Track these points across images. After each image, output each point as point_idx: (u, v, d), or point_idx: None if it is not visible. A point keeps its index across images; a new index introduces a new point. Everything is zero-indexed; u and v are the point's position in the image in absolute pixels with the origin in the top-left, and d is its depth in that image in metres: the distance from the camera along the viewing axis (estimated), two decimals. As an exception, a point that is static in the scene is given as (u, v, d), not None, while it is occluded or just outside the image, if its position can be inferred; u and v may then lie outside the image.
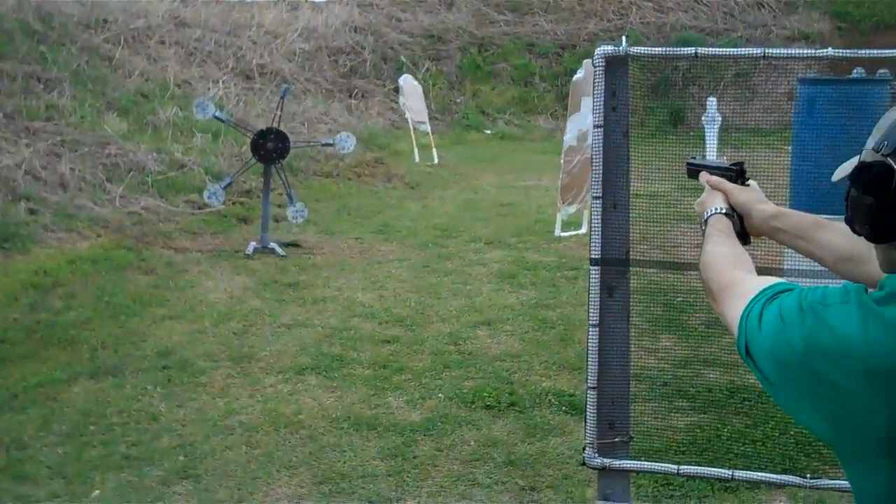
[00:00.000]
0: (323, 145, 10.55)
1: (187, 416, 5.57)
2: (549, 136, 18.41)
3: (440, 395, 5.89)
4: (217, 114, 10.09)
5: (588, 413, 4.07)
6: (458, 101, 21.04)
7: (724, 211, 2.17)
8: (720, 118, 13.84)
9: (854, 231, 1.66)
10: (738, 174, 2.28)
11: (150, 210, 10.38)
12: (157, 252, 9.18)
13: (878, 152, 1.58)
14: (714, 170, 2.31)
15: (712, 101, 14.32)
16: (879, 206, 1.56)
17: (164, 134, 12.79)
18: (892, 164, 1.55)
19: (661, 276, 6.28)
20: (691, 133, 14.22)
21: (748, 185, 2.27)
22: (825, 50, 4.19)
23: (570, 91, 10.97)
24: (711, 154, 13.40)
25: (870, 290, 1.57)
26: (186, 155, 12.07)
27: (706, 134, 13.70)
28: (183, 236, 9.86)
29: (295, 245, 9.72)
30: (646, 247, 6.70)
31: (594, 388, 4.02)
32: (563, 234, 10.08)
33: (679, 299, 6.29)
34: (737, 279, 1.82)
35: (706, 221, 2.17)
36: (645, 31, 22.16)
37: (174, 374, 6.20)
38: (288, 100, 16.41)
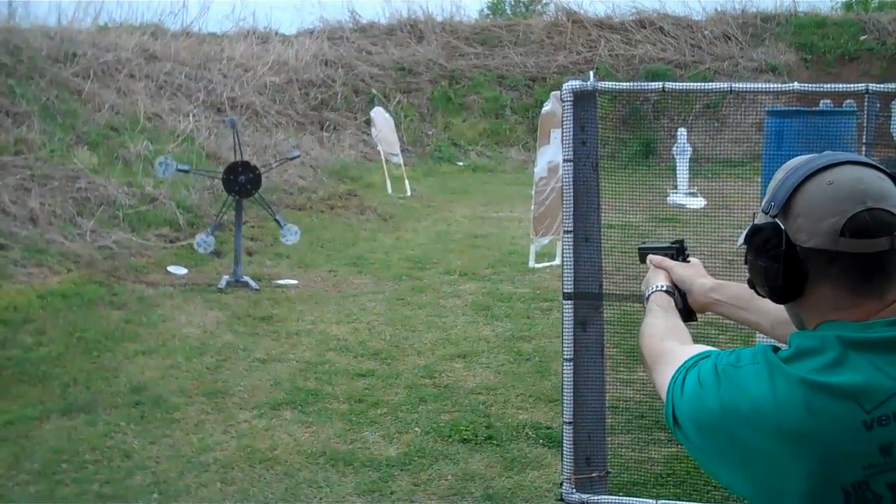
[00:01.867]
0: (274, 220, 10.54)
1: (161, 453, 5.51)
2: (521, 168, 18.51)
3: (417, 429, 5.86)
4: (180, 167, 10.08)
5: (564, 448, 4.07)
6: (430, 133, 21.10)
7: (664, 288, 2.21)
8: (690, 149, 13.96)
9: (758, 293, 1.68)
10: (678, 251, 2.36)
11: (121, 244, 10.31)
12: (128, 286, 9.11)
13: (767, 213, 1.60)
14: (658, 250, 2.37)
15: (682, 133, 14.46)
16: (773, 268, 1.57)
17: (135, 167, 12.72)
18: (781, 224, 1.57)
19: (637, 307, 6.32)
20: (662, 164, 14.33)
21: (689, 262, 2.32)
22: (791, 84, 4.24)
23: (539, 123, 11.03)
24: (683, 184, 13.51)
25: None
26: (157, 188, 12.01)
27: (677, 165, 13.81)
28: (155, 270, 9.79)
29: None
30: (620, 278, 6.73)
31: (570, 422, 4.02)
32: (536, 265, 10.10)
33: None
34: (667, 350, 1.83)
35: (648, 298, 2.20)
36: (614, 64, 22.34)
37: (147, 411, 6.13)
38: (259, 133, 16.44)
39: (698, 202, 11.79)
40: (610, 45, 23.16)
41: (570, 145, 4.13)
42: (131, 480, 5.16)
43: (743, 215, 7.68)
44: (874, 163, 1.57)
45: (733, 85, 4.43)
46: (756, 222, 1.64)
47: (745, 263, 1.67)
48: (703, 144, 14.31)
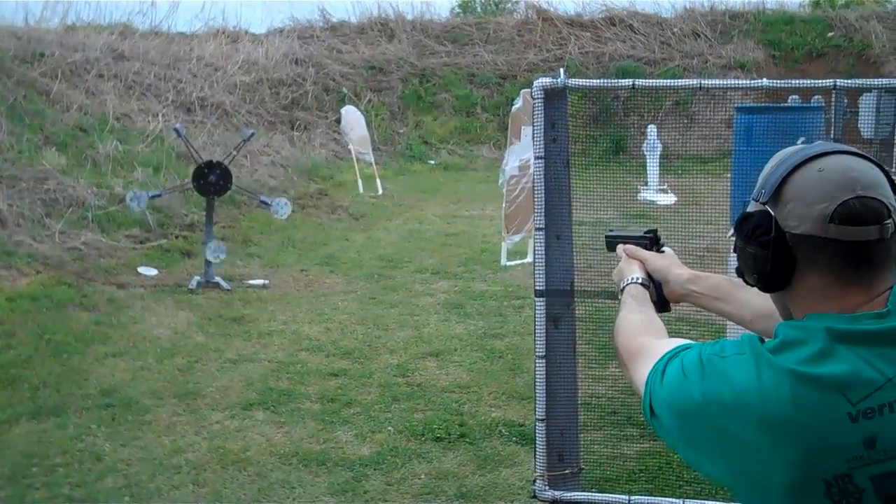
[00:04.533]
0: (260, 202, 10.56)
1: (132, 456, 5.47)
2: (493, 166, 18.49)
3: (389, 428, 5.85)
4: (151, 194, 10.08)
5: (537, 445, 4.08)
6: (401, 131, 21.08)
7: (639, 280, 2.19)
8: (661, 146, 14.02)
9: (746, 282, 1.68)
10: (652, 241, 2.31)
11: (90, 245, 10.23)
12: (98, 288, 9.04)
13: (757, 201, 1.61)
14: (629, 239, 2.32)
15: (652, 130, 14.52)
16: (762, 255, 1.58)
17: (104, 168, 12.63)
18: (771, 211, 1.57)
19: (609, 304, 6.33)
20: (633, 161, 14.39)
21: (663, 252, 2.29)
22: (759, 81, 4.27)
23: (509, 121, 11.04)
24: (654, 181, 13.57)
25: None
26: (127, 189, 11.91)
27: (647, 162, 13.87)
28: (125, 271, 9.72)
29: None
30: (592, 275, 6.74)
31: (542, 419, 4.03)
32: (508, 263, 10.11)
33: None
34: (644, 345, 1.82)
35: (622, 290, 2.18)
36: (584, 62, 22.40)
37: (118, 413, 6.09)
38: (230, 132, 16.35)
39: (669, 198, 11.85)
40: (580, 42, 23.22)
41: (541, 143, 4.13)
42: (102, 483, 5.12)
43: (713, 211, 7.72)
44: (865, 153, 1.58)
45: (703, 82, 4.46)
46: (747, 209, 1.64)
47: (734, 252, 1.66)
48: (674, 141, 14.37)
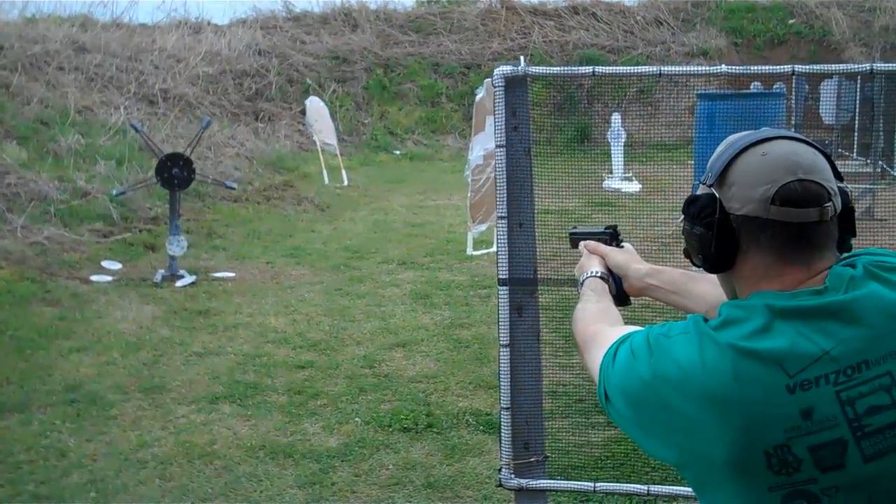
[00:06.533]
0: (226, 186, 10.62)
1: (97, 451, 5.44)
2: (458, 156, 18.50)
3: (357, 419, 5.85)
4: (116, 192, 10.38)
5: (503, 434, 4.09)
6: (366, 122, 21.02)
7: (598, 274, 2.25)
8: (625, 134, 14.07)
9: (693, 264, 1.72)
10: (611, 237, 2.39)
11: (53, 240, 10.13)
12: (61, 283, 8.96)
13: (704, 184, 1.66)
14: (591, 235, 2.39)
15: (616, 118, 14.58)
16: (707, 236, 1.62)
17: (66, 162, 12.51)
18: (717, 193, 1.62)
19: (574, 292, 6.36)
20: (598, 149, 14.43)
21: (623, 248, 2.36)
22: (718, 67, 4.28)
23: (473, 111, 11.04)
24: (618, 169, 13.62)
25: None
26: (90, 183, 11.82)
27: (612, 150, 13.92)
28: (88, 266, 9.64)
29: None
30: (557, 263, 6.76)
31: (508, 408, 4.04)
32: (474, 252, 10.12)
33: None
34: (598, 332, 1.87)
35: (582, 284, 2.24)
36: (548, 50, 22.43)
37: (83, 408, 6.05)
38: (193, 124, 16.23)
39: (633, 186, 11.91)
40: (544, 31, 23.24)
41: (503, 131, 4.12)
42: (67, 480, 5.09)
43: (677, 198, 7.72)
44: (808, 139, 1.62)
45: (662, 69, 4.48)
46: (695, 192, 1.68)
47: (683, 234, 1.71)
48: (637, 129, 14.42)
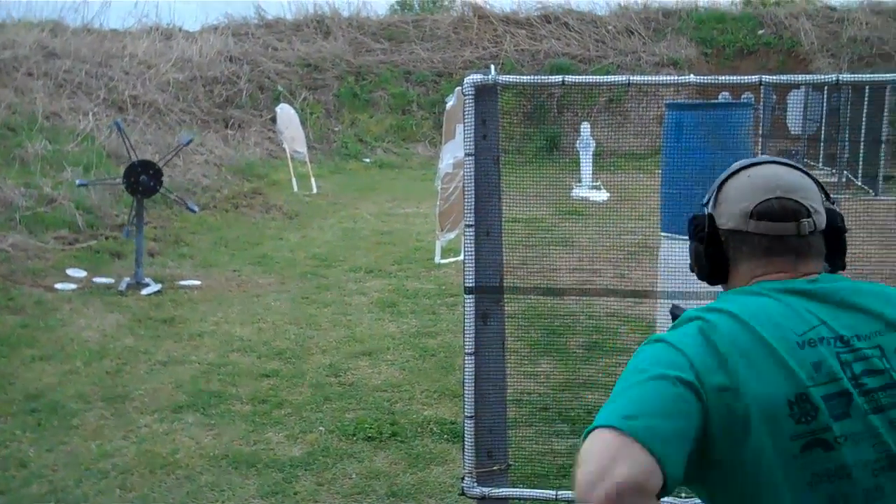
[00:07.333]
0: (187, 209, 10.54)
1: (58, 461, 5.37)
2: (428, 164, 18.50)
3: (321, 428, 5.82)
4: (79, 182, 10.43)
5: (466, 442, 4.07)
6: (337, 129, 20.99)
7: None
8: (594, 143, 14.12)
9: (698, 277, 1.87)
10: None
11: (17, 247, 10.02)
12: (25, 290, 8.87)
13: (704, 205, 1.85)
14: None
15: (586, 127, 14.63)
16: (700, 249, 1.83)
17: (33, 168, 12.39)
18: (712, 212, 1.81)
19: (541, 300, 6.35)
20: (567, 158, 14.46)
21: None
22: (687, 77, 4.29)
23: (444, 119, 11.04)
24: (587, 178, 13.66)
25: None
26: (56, 189, 11.71)
27: (581, 159, 13.96)
28: (53, 273, 9.55)
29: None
30: (525, 272, 6.76)
31: (471, 416, 4.03)
32: (442, 261, 10.11)
33: (557, 323, 6.37)
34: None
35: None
36: (519, 59, 22.50)
37: (44, 418, 5.97)
38: (162, 130, 16.15)
39: (602, 195, 11.94)
40: (515, 40, 23.33)
41: (472, 140, 4.12)
42: (27, 490, 5.02)
43: (644, 208, 7.77)
44: (798, 165, 1.81)
45: (631, 78, 4.48)
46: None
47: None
48: (607, 138, 14.48)
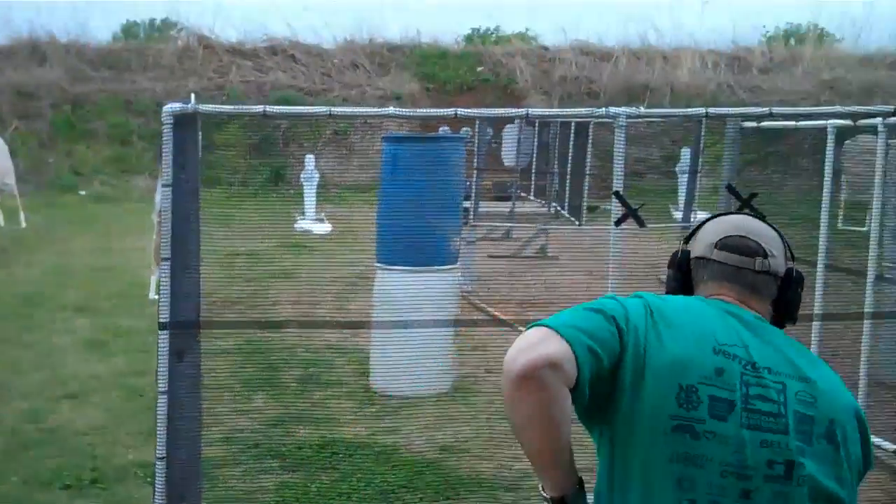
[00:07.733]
0: None
1: None
2: (148, 197, 17.80)
3: (14, 478, 5.42)
4: None
5: (156, 486, 3.90)
6: (51, 160, 19.98)
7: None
8: (318, 175, 14.15)
9: None
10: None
11: None
12: None
13: (685, 242, 2.12)
14: None
15: (310, 159, 14.66)
16: (670, 273, 2.11)
17: None
18: (687, 247, 2.10)
19: (258, 335, 6.23)
20: (292, 190, 14.43)
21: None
22: (386, 110, 4.34)
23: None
24: (311, 210, 13.65)
25: None
26: None
27: (305, 191, 13.95)
28: None
29: None
30: (242, 307, 6.62)
31: (163, 458, 3.86)
32: (156, 296, 9.75)
33: (274, 357, 6.27)
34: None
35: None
36: (245, 90, 22.27)
37: None
38: None
39: (325, 227, 11.96)
40: (242, 71, 23.11)
41: (170, 170, 3.98)
42: None
43: (365, 240, 7.80)
44: (772, 224, 2.08)
45: (332, 109, 4.49)
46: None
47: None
48: (332, 170, 14.57)
